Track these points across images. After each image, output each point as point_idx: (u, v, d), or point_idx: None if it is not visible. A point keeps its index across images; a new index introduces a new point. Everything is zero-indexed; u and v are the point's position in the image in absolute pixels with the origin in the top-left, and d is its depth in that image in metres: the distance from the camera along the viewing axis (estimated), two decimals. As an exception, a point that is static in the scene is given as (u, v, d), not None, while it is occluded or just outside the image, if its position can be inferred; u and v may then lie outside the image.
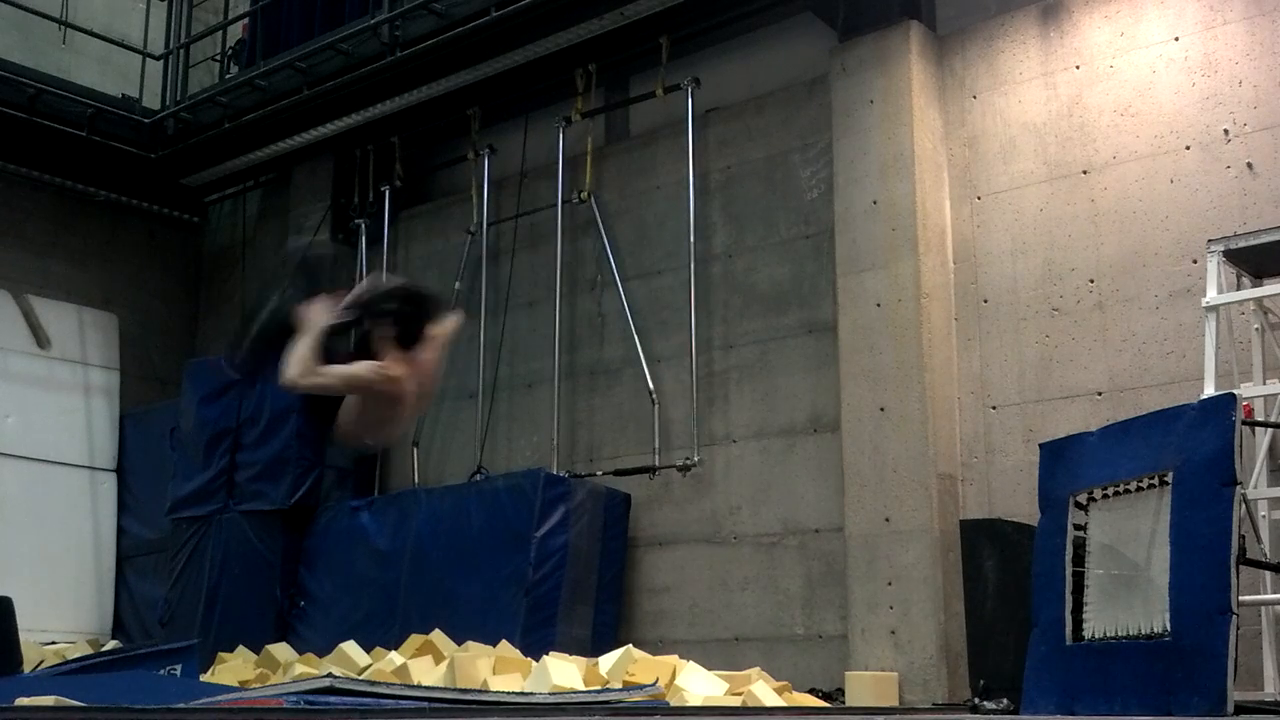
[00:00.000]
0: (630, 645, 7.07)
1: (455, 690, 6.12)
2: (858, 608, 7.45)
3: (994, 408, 7.50)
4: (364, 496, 9.98)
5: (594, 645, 8.10)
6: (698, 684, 6.45)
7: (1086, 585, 5.16)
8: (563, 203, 9.64)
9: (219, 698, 5.52)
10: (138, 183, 11.81)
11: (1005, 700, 5.95)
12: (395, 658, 7.27)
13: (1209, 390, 5.68)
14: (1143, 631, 4.82)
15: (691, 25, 8.99)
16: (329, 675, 5.90)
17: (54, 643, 9.63)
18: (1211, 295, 5.96)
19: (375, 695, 5.33)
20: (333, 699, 5.19)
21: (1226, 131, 6.88)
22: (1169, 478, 4.81)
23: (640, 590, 8.79)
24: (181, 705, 5.29)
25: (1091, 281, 7.22)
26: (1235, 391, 4.92)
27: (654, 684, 6.36)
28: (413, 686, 6.12)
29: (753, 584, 8.26)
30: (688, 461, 8.57)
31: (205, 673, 7.89)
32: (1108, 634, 4.99)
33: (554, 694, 6.12)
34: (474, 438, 9.88)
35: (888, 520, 7.39)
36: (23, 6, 11.09)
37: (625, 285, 9.26)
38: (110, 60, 11.95)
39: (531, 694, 6.19)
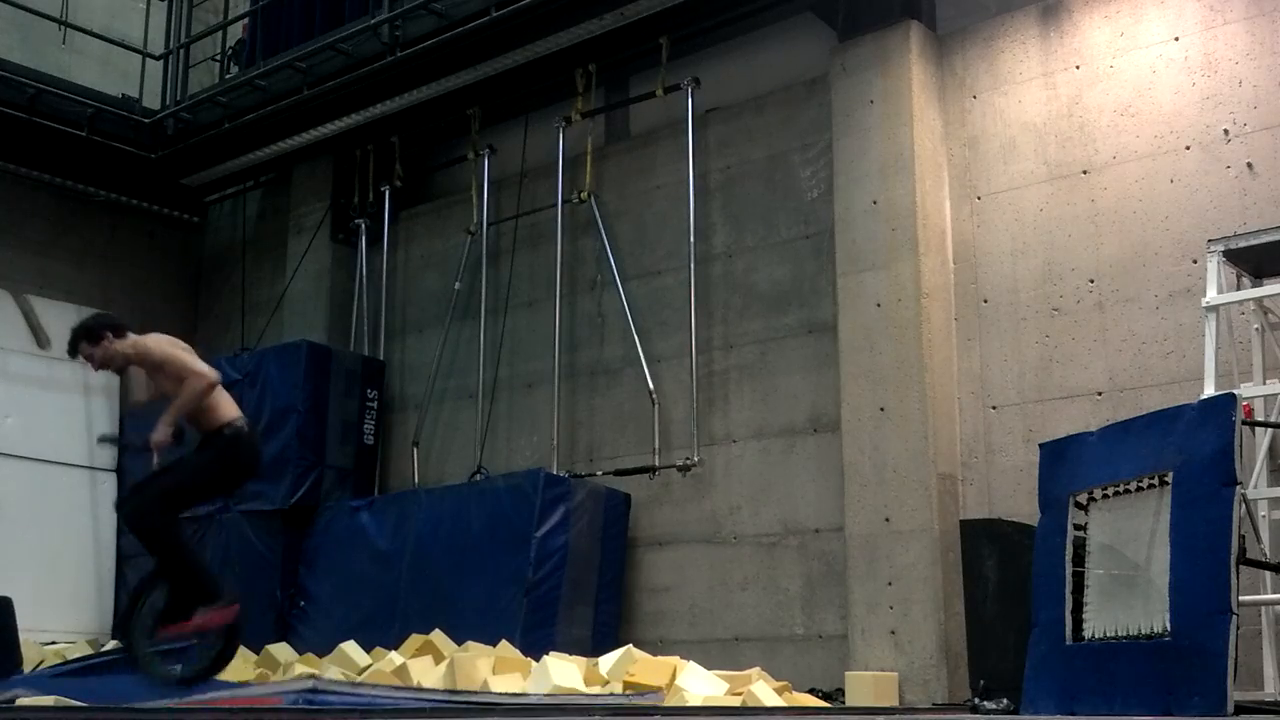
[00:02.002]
0: (630, 645, 7.06)
1: (444, 692, 6.10)
2: (858, 608, 7.45)
3: (994, 408, 7.50)
4: (364, 496, 9.97)
5: (594, 645, 8.10)
6: (698, 684, 6.44)
7: (1086, 585, 5.16)
8: (563, 203, 9.64)
9: (211, 694, 5.51)
10: (138, 183, 11.81)
11: (1005, 700, 5.95)
12: (395, 658, 7.26)
13: (1209, 390, 5.67)
14: (1143, 631, 4.82)
15: (691, 25, 8.99)
16: (311, 676, 5.92)
17: (54, 643, 9.62)
18: (1211, 295, 5.96)
19: (357, 695, 5.32)
20: (332, 699, 5.19)
21: (1226, 131, 6.87)
22: (1169, 478, 4.81)
23: (640, 590, 8.79)
24: (182, 705, 5.29)
25: (1091, 281, 7.22)
26: (1235, 391, 4.92)
27: (658, 692, 6.34)
28: (398, 688, 6.10)
29: (753, 584, 8.26)
30: (688, 461, 8.57)
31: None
32: (1108, 634, 4.99)
33: (550, 695, 6.12)
34: (474, 438, 9.88)
35: (888, 520, 7.39)
36: (23, 6, 11.09)
37: (625, 285, 9.26)
38: (110, 60, 11.95)
39: (525, 694, 6.18)
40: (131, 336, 6.48)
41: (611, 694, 6.29)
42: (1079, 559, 5.21)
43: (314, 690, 5.25)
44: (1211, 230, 6.62)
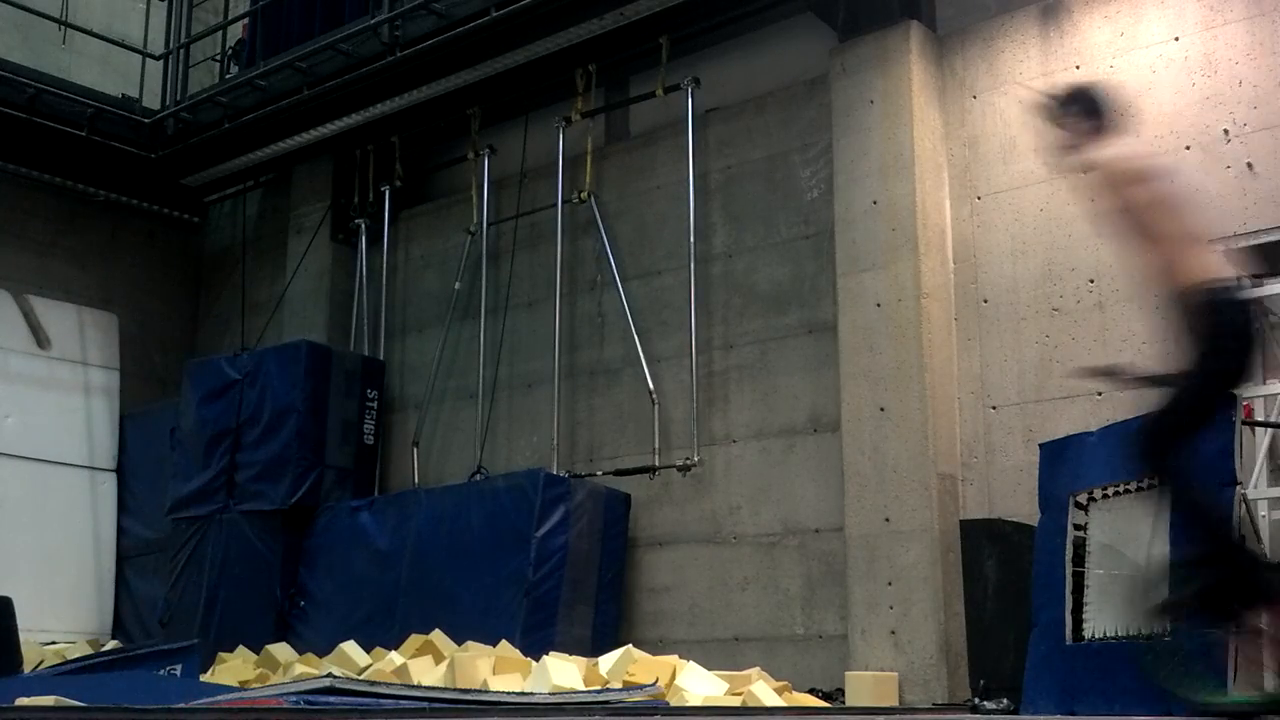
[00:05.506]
0: (630, 645, 7.07)
1: (455, 690, 6.12)
2: (858, 608, 7.45)
3: (994, 408, 7.49)
4: (364, 496, 9.97)
5: (594, 645, 8.10)
6: (698, 684, 6.44)
7: (1086, 585, 5.17)
8: (563, 203, 9.64)
9: (220, 697, 5.52)
10: (138, 183, 11.81)
11: (1005, 700, 5.95)
12: (395, 658, 7.27)
13: (1209, 390, 5.66)
14: (1143, 631, 4.82)
15: (691, 25, 8.99)
16: (329, 675, 5.90)
17: (54, 643, 9.63)
18: (1211, 295, 5.94)
19: (375, 695, 5.33)
20: (332, 699, 5.18)
21: (1226, 131, 6.87)
22: (1169, 478, 4.80)
23: (640, 590, 8.79)
24: (181, 705, 5.29)
25: (1091, 281, 7.22)
26: (1235, 391, 4.91)
27: (654, 684, 6.36)
28: (413, 686, 6.12)
29: (753, 584, 8.26)
30: (688, 461, 8.57)
31: (205, 673, 7.89)
32: (1108, 634, 4.99)
33: (554, 693, 6.13)
34: (474, 438, 9.88)
35: (888, 520, 7.39)
36: (23, 6, 11.10)
37: (625, 285, 9.26)
38: (110, 60, 11.96)
39: (532, 693, 6.19)
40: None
41: (610, 689, 6.29)
42: (1079, 559, 5.22)
43: (330, 690, 5.23)
44: (1211, 230, 6.60)
